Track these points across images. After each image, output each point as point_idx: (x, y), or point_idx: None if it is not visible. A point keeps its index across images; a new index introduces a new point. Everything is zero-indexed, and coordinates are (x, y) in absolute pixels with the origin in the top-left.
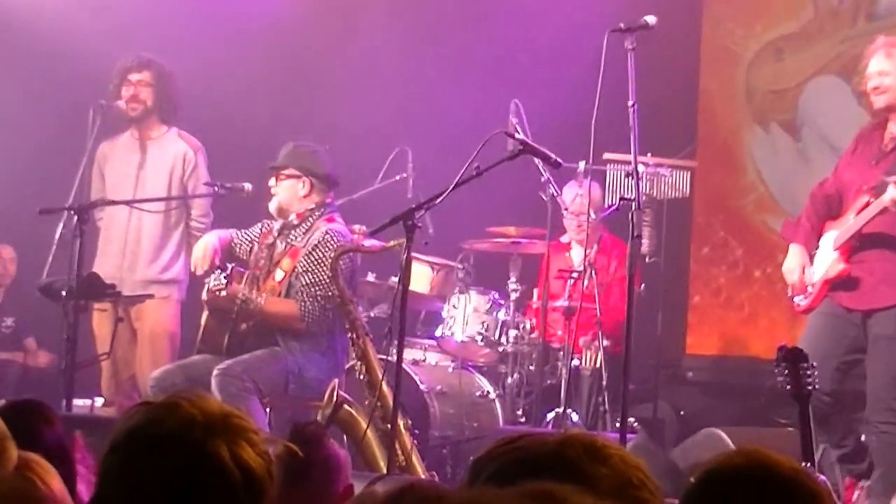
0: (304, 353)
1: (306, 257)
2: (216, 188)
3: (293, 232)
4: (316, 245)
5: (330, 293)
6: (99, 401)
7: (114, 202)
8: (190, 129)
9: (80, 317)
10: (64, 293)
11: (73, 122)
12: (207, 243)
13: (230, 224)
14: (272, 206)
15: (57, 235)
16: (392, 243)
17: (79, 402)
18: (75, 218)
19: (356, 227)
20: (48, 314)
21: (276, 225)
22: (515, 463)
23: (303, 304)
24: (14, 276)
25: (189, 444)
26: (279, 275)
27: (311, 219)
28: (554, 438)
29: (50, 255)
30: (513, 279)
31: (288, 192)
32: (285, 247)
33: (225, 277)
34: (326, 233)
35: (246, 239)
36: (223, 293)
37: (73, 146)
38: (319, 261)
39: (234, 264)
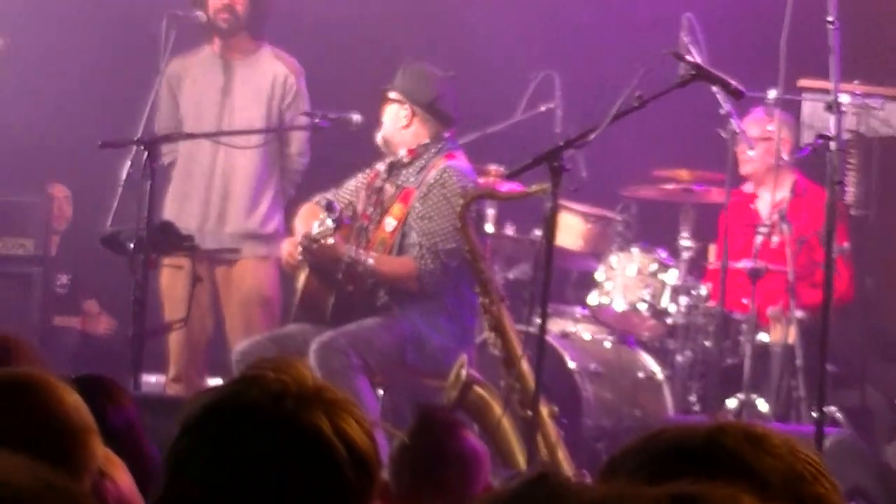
0: (424, 317)
1: (421, 200)
2: (317, 119)
3: (404, 171)
4: (432, 185)
5: (453, 245)
6: (162, 378)
7: (193, 135)
8: (286, 49)
9: (151, 274)
10: (131, 245)
11: (141, 37)
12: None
13: (333, 166)
14: (378, 138)
15: (123, 176)
16: (535, 188)
17: (148, 378)
18: (145, 154)
19: (491, 167)
20: (112, 271)
21: (384, 166)
22: (662, 457)
23: (421, 259)
24: (70, 220)
25: (281, 416)
26: (390, 224)
27: (425, 156)
28: (706, 427)
29: (115, 200)
30: (684, 234)
31: (389, 120)
32: (396, 189)
33: (333, 221)
34: (444, 170)
35: (345, 197)
36: (330, 241)
37: (141, 67)
38: (438, 204)
39: (342, 207)
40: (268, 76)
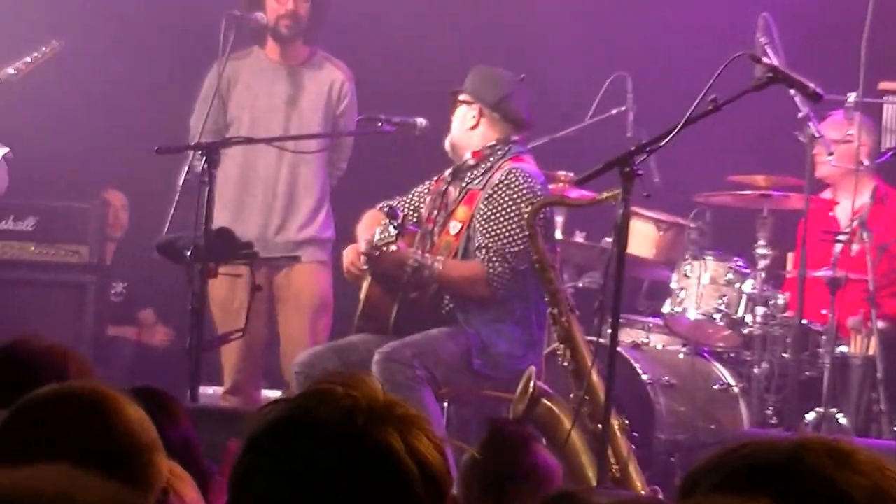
0: (489, 324)
1: (486, 202)
2: (381, 123)
3: (469, 174)
4: (498, 185)
5: (521, 247)
6: (218, 389)
7: (253, 139)
8: (345, 56)
9: (209, 283)
10: (189, 253)
11: (198, 39)
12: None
13: (399, 172)
14: (446, 143)
15: (180, 182)
16: (605, 194)
17: (205, 390)
18: (203, 159)
19: (560, 173)
20: (168, 279)
21: (448, 171)
22: (741, 473)
23: (489, 263)
24: (126, 227)
25: (351, 432)
26: (454, 227)
27: (491, 158)
28: (787, 442)
29: (171, 207)
30: (761, 242)
31: (457, 121)
32: (460, 192)
33: (395, 227)
34: (511, 171)
35: (411, 203)
36: (392, 248)
37: (199, 69)
38: (504, 206)
39: (404, 212)
40: (325, 83)
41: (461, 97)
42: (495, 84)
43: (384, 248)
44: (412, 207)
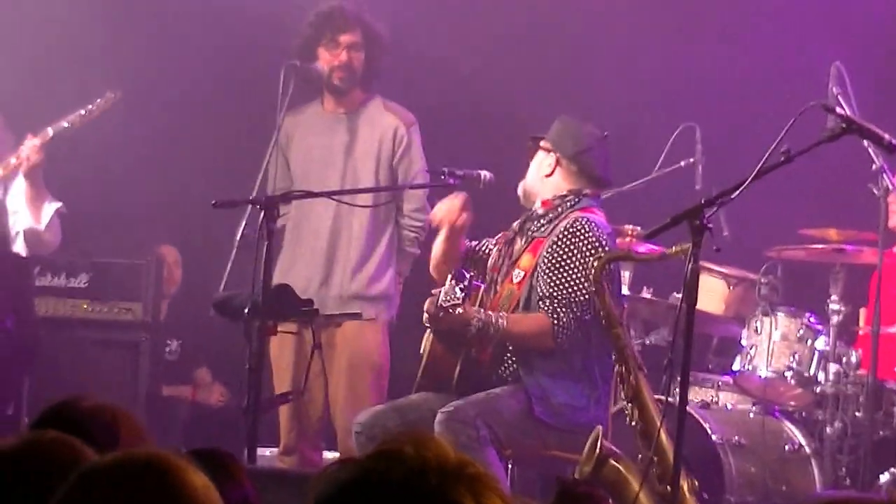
0: (549, 375)
1: (551, 249)
2: (444, 175)
3: (536, 223)
4: (563, 233)
5: (585, 297)
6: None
7: (312, 193)
8: (409, 104)
9: (266, 342)
10: (246, 311)
11: (254, 91)
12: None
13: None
14: (519, 190)
15: (237, 237)
16: (674, 249)
17: (262, 452)
18: (262, 214)
19: (628, 227)
20: (224, 337)
21: (518, 221)
22: None
23: (553, 314)
24: (179, 284)
25: (425, 493)
26: (518, 275)
27: (559, 208)
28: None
29: (228, 263)
30: (834, 297)
31: (533, 168)
32: (526, 241)
33: (462, 290)
34: (577, 220)
35: (479, 251)
36: (458, 311)
37: (256, 121)
38: (570, 254)
39: (472, 273)
40: (377, 130)
41: (541, 143)
42: (576, 136)
43: (450, 311)
44: (479, 256)
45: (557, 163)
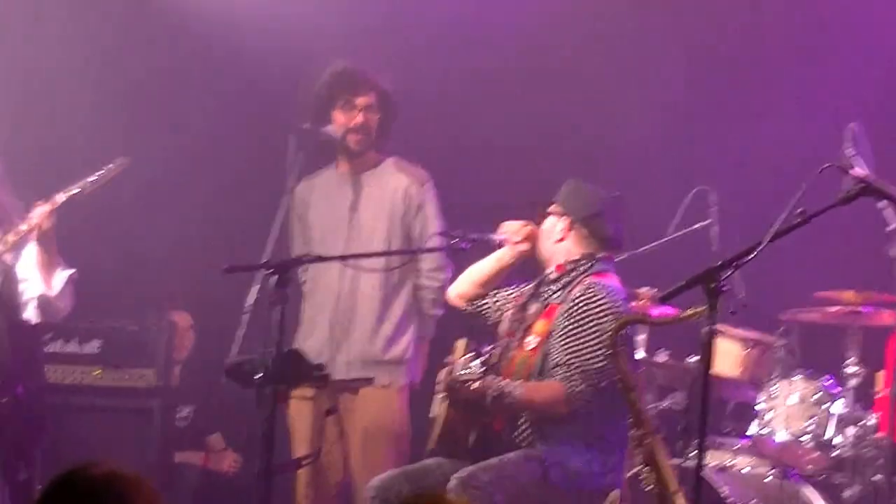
0: (565, 441)
1: (565, 316)
2: (456, 239)
3: (549, 288)
4: (577, 300)
5: (601, 363)
6: None
7: (323, 258)
8: (423, 163)
9: (280, 408)
10: (259, 377)
11: (265, 154)
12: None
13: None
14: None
15: (250, 302)
16: (689, 312)
17: None
18: (274, 278)
19: (643, 289)
20: (237, 403)
21: (531, 285)
22: None
23: (568, 381)
24: (190, 349)
25: None
26: (532, 342)
27: (573, 273)
28: None
29: (241, 329)
30: (851, 360)
31: (545, 234)
32: (539, 306)
33: (482, 364)
34: (590, 286)
35: (501, 297)
36: (475, 385)
37: (267, 185)
38: (584, 321)
39: (491, 347)
40: (389, 188)
41: (551, 208)
42: (587, 199)
43: (467, 385)
44: (494, 310)
45: (570, 227)
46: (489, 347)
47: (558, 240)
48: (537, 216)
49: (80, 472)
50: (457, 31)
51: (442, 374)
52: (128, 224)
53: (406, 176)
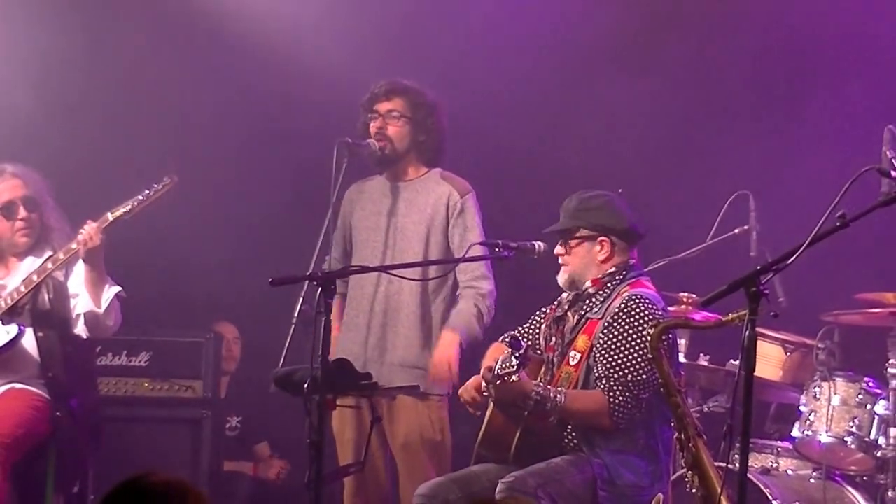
0: (613, 454)
1: (606, 331)
2: (497, 248)
3: (588, 302)
4: (618, 314)
5: (644, 375)
6: None
7: (366, 268)
8: (463, 175)
9: (327, 416)
10: (306, 386)
11: (310, 166)
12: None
13: (517, 295)
14: (562, 280)
15: (295, 313)
16: (731, 316)
17: None
18: (319, 290)
19: (683, 295)
20: (284, 412)
21: (565, 295)
22: None
23: (611, 393)
24: (238, 360)
25: None
26: (574, 357)
27: (610, 285)
28: None
29: (287, 340)
30: (892, 361)
31: (582, 259)
32: (579, 321)
33: (517, 358)
34: (630, 298)
35: (532, 330)
36: (514, 378)
37: (312, 198)
38: (625, 334)
39: (528, 343)
40: (431, 197)
41: (580, 235)
42: (614, 210)
43: (506, 378)
44: (533, 334)
45: (612, 244)
46: (527, 343)
47: (604, 259)
48: (564, 245)
49: (140, 481)
50: (504, 51)
51: (483, 372)
52: (174, 237)
53: (449, 185)
